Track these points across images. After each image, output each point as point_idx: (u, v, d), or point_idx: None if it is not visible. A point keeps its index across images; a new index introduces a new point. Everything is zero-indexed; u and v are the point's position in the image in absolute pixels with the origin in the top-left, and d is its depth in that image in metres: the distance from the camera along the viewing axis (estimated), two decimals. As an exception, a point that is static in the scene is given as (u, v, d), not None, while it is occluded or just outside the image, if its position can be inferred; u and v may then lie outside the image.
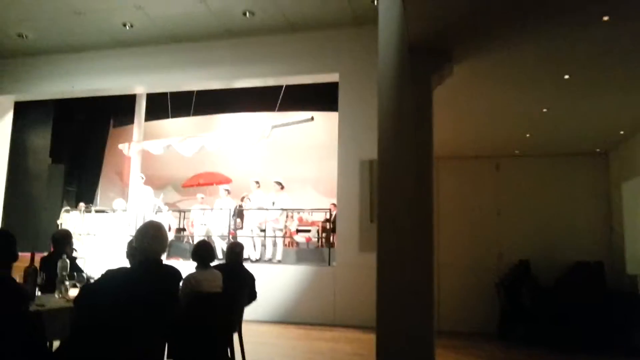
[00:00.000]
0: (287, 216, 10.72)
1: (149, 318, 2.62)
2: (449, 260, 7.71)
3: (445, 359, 5.54)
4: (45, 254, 4.60)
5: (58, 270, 3.77)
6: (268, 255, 9.52)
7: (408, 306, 3.88)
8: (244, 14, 8.24)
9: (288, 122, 10.36)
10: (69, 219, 10.58)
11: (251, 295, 4.77)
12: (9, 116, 10.48)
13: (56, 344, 3.08)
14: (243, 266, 5.02)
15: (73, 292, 3.47)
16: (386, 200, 4.08)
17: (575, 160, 7.78)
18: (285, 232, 10.52)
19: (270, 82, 9.53)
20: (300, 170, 12.71)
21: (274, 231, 9.71)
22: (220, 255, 8.86)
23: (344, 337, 6.89)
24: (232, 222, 10.12)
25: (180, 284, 3.17)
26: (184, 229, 11.76)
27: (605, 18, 3.68)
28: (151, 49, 9.46)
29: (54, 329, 3.02)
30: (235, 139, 10.83)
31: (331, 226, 9.62)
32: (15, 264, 2.98)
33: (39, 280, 3.59)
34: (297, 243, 10.92)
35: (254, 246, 9.64)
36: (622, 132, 6.65)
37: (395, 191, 4.06)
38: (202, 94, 11.36)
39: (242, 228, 10.32)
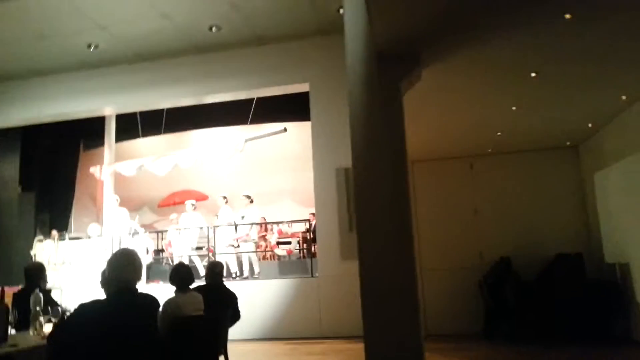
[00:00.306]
0: (265, 229, 10.59)
1: (125, 351, 2.53)
2: (431, 264, 7.72)
3: (435, 363, 5.52)
4: (20, 287, 4.44)
5: (31, 306, 3.61)
6: (246, 273, 9.27)
7: (394, 312, 3.84)
8: (210, 29, 8.18)
9: (261, 135, 10.33)
10: (43, 249, 10.24)
11: (234, 316, 4.66)
12: (-25, 146, 10.19)
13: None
14: (224, 286, 4.91)
15: (48, 328, 3.34)
16: (364, 208, 4.04)
17: (547, 154, 7.89)
18: (265, 246, 10.38)
19: (241, 95, 9.48)
20: (277, 182, 12.61)
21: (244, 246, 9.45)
22: (201, 271, 8.65)
23: (332, 349, 6.81)
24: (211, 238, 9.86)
25: (160, 310, 3.07)
26: (162, 250, 11.52)
27: (568, 16, 3.74)
28: (118, 69, 9.28)
29: (29, 368, 2.89)
30: (209, 154, 10.74)
31: (312, 236, 9.55)
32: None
33: (10, 318, 3.45)
34: (279, 256, 10.78)
35: (229, 266, 9.37)
36: (590, 125, 6.78)
37: (373, 198, 4.02)
38: (172, 111, 11.20)
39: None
